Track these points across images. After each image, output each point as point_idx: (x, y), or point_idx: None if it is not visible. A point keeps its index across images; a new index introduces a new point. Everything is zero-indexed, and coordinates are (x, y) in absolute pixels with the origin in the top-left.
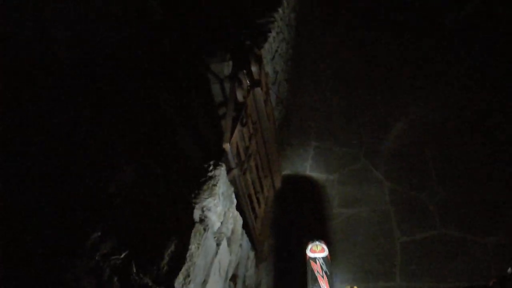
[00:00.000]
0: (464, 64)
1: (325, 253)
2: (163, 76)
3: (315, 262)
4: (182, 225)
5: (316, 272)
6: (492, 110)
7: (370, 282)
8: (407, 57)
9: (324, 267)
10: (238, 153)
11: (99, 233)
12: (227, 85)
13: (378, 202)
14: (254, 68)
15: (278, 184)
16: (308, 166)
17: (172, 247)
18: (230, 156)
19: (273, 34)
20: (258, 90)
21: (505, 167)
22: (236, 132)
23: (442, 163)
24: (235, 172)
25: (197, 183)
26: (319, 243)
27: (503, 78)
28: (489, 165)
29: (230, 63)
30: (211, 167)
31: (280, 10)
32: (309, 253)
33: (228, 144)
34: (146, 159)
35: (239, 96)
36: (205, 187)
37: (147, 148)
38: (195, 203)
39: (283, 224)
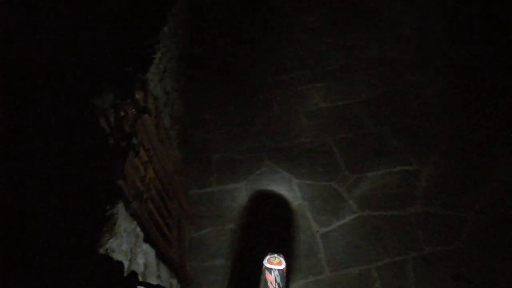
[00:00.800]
0: None
1: (282, 266)
2: None
3: (270, 273)
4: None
5: (269, 283)
6: None
7: (300, 279)
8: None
9: (278, 279)
10: (134, 185)
11: None
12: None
13: (290, 200)
14: (139, 95)
15: (186, 204)
16: (214, 180)
17: None
18: (125, 191)
19: (158, 55)
20: (145, 116)
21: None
22: (127, 163)
23: (346, 148)
24: (134, 205)
25: (97, 226)
26: (277, 255)
27: None
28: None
29: (114, 94)
30: (108, 206)
31: (165, 28)
32: (266, 264)
33: (120, 179)
34: None
35: (126, 126)
36: (105, 228)
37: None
38: (99, 247)
39: (205, 242)
